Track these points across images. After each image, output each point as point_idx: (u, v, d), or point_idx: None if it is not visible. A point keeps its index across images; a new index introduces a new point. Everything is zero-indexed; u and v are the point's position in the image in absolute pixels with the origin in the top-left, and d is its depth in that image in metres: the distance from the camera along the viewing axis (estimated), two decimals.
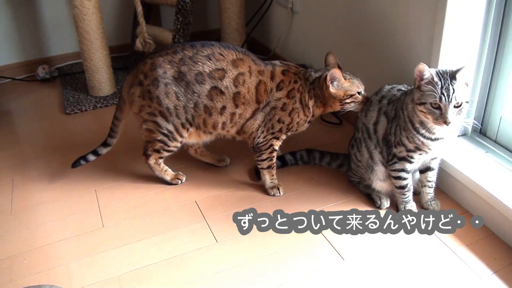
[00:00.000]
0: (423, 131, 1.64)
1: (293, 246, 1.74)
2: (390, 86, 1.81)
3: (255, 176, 2.12)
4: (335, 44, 2.50)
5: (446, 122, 1.53)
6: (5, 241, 1.80)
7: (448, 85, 1.51)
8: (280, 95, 1.87)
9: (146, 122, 1.91)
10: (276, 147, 1.97)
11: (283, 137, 1.97)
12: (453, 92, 1.50)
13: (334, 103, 1.87)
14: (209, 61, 1.82)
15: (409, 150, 1.71)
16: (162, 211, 1.93)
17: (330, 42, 2.55)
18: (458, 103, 1.51)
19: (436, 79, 1.53)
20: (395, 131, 1.72)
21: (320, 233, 1.78)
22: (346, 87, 1.84)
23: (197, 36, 3.40)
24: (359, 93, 1.86)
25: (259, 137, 1.93)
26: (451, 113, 1.52)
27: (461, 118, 1.58)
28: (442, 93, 1.51)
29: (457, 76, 1.51)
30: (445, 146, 1.71)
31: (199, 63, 1.82)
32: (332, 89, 1.82)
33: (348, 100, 1.85)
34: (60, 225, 1.87)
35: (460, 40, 1.80)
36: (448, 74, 1.52)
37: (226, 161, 2.21)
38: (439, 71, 1.55)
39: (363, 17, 2.23)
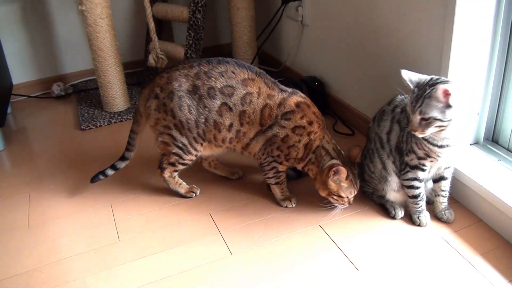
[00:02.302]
0: (427, 137, 1.65)
1: (308, 258, 1.74)
2: (403, 96, 1.82)
3: (267, 187, 2.13)
4: (345, 56, 2.52)
5: (412, 130, 1.57)
6: (22, 255, 1.83)
7: (420, 97, 1.53)
8: (285, 124, 1.84)
9: (161, 135, 1.94)
10: (281, 169, 1.94)
11: (286, 163, 1.92)
12: (420, 105, 1.53)
13: (324, 189, 1.86)
14: (221, 78, 1.83)
15: (420, 158, 1.71)
16: (177, 224, 1.95)
17: (340, 54, 2.56)
18: (424, 117, 1.53)
19: (415, 88, 1.58)
20: (407, 139, 1.73)
21: (335, 244, 1.78)
22: (342, 186, 1.81)
23: (209, 51, 3.46)
24: (348, 197, 1.85)
25: (260, 158, 1.93)
26: (416, 123, 1.55)
27: (444, 132, 1.57)
28: (412, 102, 1.56)
29: (432, 93, 1.51)
30: (456, 155, 1.71)
31: (212, 78, 1.83)
32: (330, 181, 1.80)
33: (335, 197, 1.85)
34: (77, 239, 1.90)
35: (470, 50, 1.80)
36: (430, 86, 1.53)
37: (240, 173, 2.23)
38: (425, 81, 1.57)
39: (372, 28, 2.25)
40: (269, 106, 1.84)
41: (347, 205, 1.88)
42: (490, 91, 1.91)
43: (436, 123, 1.53)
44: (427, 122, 1.54)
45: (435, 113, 1.51)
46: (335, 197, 1.85)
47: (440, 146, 1.64)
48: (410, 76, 1.60)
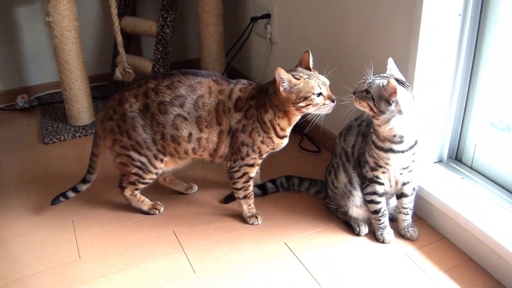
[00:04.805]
0: (374, 137, 1.69)
1: (272, 275, 1.73)
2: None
3: (224, 199, 2.13)
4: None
5: (354, 93, 1.68)
6: None
7: (378, 76, 1.65)
8: (239, 116, 1.83)
9: (119, 156, 1.91)
10: (252, 175, 1.93)
11: (258, 161, 1.91)
12: (373, 80, 1.63)
13: (289, 107, 1.72)
14: (169, 90, 1.82)
15: (372, 169, 1.74)
16: (140, 242, 1.91)
17: None
18: (368, 90, 1.62)
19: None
20: (364, 149, 1.76)
21: (299, 261, 1.78)
22: (298, 88, 1.69)
23: (178, 66, 3.41)
24: (319, 94, 1.71)
25: (231, 161, 1.90)
26: (359, 91, 1.65)
27: (375, 122, 1.64)
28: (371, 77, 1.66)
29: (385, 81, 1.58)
30: (417, 173, 1.73)
31: (160, 93, 1.82)
32: (283, 92, 1.69)
33: (302, 104, 1.69)
34: (37, 258, 1.84)
35: (434, 67, 1.84)
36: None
37: (194, 188, 2.21)
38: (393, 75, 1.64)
39: (340, 46, 2.27)
40: (222, 101, 1.83)
41: (330, 104, 1.73)
42: (454, 110, 1.94)
43: (370, 102, 1.60)
44: (365, 96, 1.61)
45: (375, 95, 1.58)
46: (302, 104, 1.70)
47: (385, 150, 1.67)
48: (392, 67, 1.67)
